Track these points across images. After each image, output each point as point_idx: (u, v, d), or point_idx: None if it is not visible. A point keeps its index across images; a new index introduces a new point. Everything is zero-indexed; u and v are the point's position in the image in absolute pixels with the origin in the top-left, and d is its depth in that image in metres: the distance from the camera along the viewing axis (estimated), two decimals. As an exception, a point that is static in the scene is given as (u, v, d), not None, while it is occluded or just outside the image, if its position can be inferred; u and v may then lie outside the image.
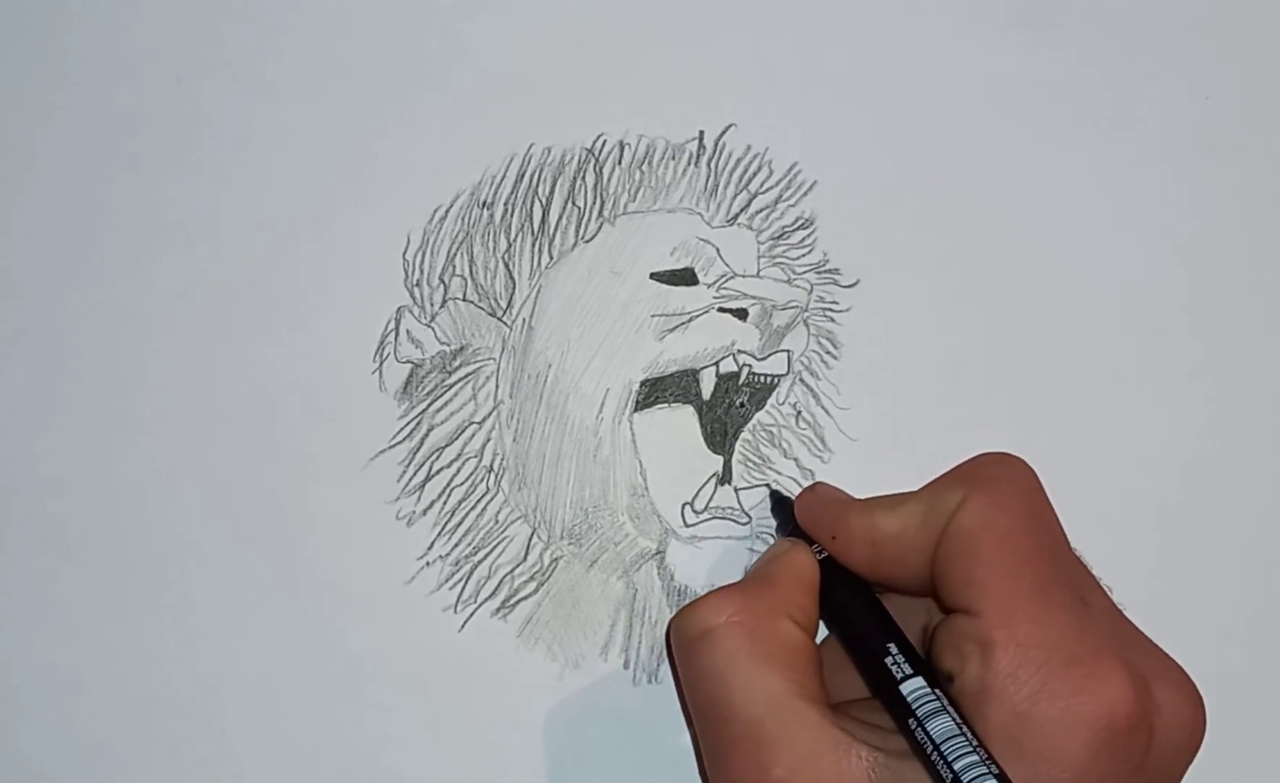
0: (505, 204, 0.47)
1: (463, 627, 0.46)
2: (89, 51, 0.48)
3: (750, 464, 0.47)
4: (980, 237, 0.47)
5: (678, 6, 0.48)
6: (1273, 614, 0.47)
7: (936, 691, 0.37)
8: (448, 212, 0.47)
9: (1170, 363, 0.47)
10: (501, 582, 0.46)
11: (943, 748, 0.35)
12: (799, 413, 0.47)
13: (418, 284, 0.47)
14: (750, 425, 0.47)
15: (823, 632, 0.42)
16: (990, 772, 0.35)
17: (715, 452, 0.47)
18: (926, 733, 0.36)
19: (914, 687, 0.37)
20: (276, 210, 0.47)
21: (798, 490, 0.46)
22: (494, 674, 0.46)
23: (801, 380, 0.47)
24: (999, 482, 0.39)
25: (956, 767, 0.35)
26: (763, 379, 0.47)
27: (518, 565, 0.46)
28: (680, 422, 0.46)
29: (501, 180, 0.47)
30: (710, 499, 0.46)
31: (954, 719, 0.36)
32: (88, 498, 0.46)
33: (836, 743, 0.36)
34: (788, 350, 0.47)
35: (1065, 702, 0.35)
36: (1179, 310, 0.48)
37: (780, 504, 0.45)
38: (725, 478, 0.46)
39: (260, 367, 0.47)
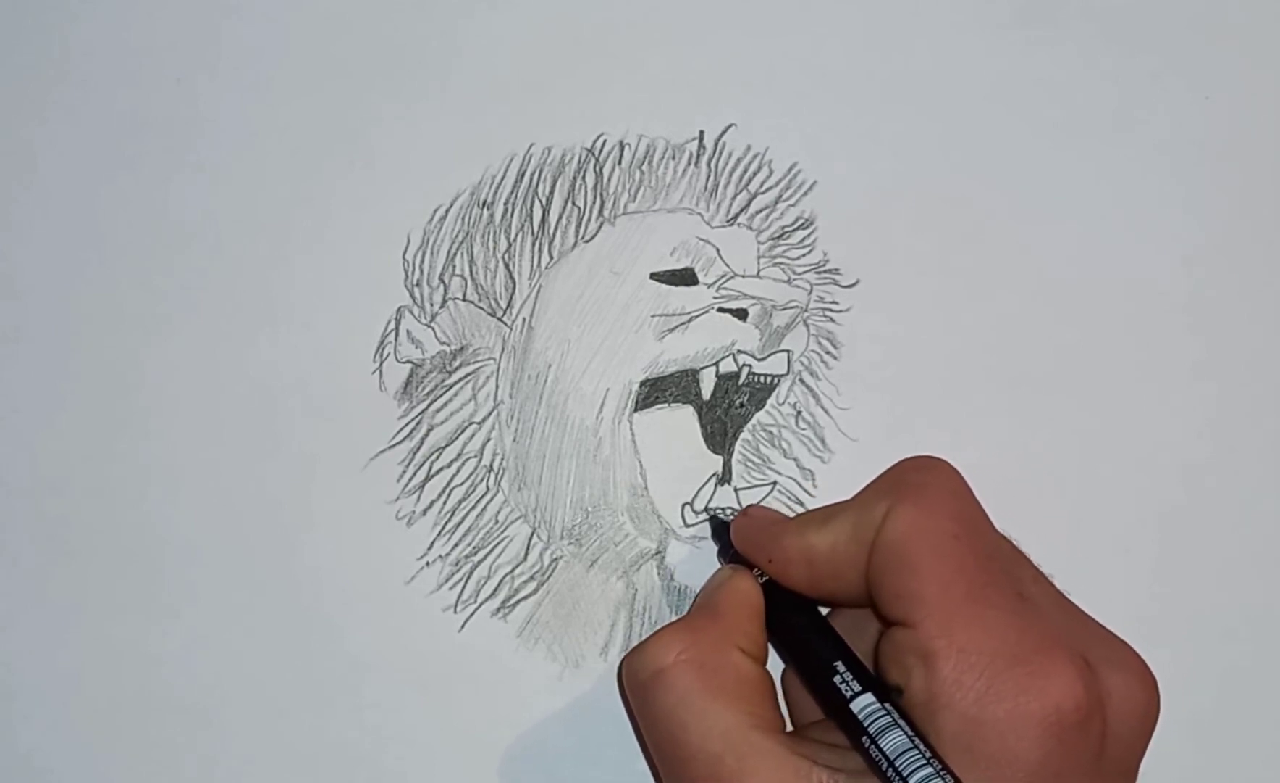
0: (505, 204, 0.47)
1: (463, 627, 0.46)
2: (89, 51, 0.48)
3: (750, 464, 0.47)
4: (980, 237, 0.47)
5: (678, 6, 0.48)
6: (1273, 614, 0.47)
7: (886, 705, 0.37)
8: (448, 212, 0.47)
9: (1171, 363, 0.47)
10: (501, 582, 0.46)
11: (897, 763, 0.35)
12: (799, 413, 0.47)
13: (418, 284, 0.47)
14: (750, 425, 0.47)
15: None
16: (945, 782, 0.35)
17: (715, 452, 0.47)
18: (880, 749, 0.36)
19: (864, 704, 0.37)
20: (276, 210, 0.47)
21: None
22: (494, 674, 0.46)
23: (801, 380, 0.47)
24: (923, 488, 0.39)
25: (912, 781, 0.35)
26: (763, 379, 0.47)
27: (518, 565, 0.46)
28: (680, 422, 0.46)
29: (501, 180, 0.47)
30: (710, 499, 0.46)
31: (906, 733, 0.36)
32: (88, 498, 0.46)
33: (797, 770, 0.36)
34: (788, 350, 0.47)
35: (1012, 703, 0.35)
36: (1179, 310, 0.48)
37: (720, 530, 0.45)
38: (725, 478, 0.46)
39: (260, 367, 0.47)
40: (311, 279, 0.47)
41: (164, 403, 0.47)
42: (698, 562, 0.46)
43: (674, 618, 0.46)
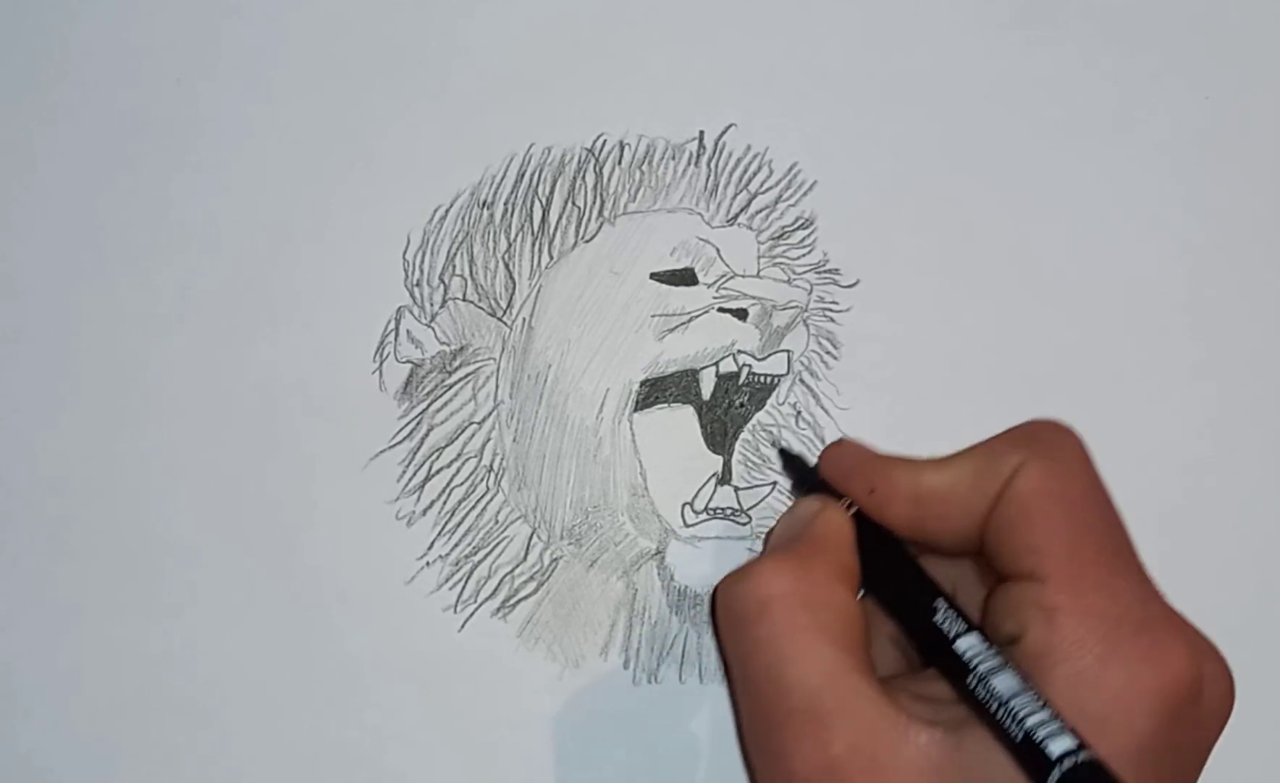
0: (505, 204, 0.47)
1: (463, 627, 0.46)
2: (89, 51, 0.48)
3: (750, 464, 0.47)
4: (980, 237, 0.47)
5: (678, 6, 0.48)
6: (1273, 614, 0.47)
7: (994, 647, 0.36)
8: (448, 212, 0.47)
9: (1171, 363, 0.47)
10: (501, 582, 0.46)
11: (1010, 705, 0.34)
12: (799, 413, 0.47)
13: (418, 284, 0.47)
14: (750, 425, 0.47)
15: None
16: (1065, 729, 0.33)
17: (715, 452, 0.47)
18: (990, 690, 0.34)
19: (970, 643, 0.36)
20: (276, 210, 0.47)
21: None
22: (494, 674, 0.46)
23: (801, 380, 0.47)
24: (1058, 448, 0.39)
25: (1027, 724, 0.33)
26: (763, 379, 0.47)
27: (518, 565, 0.46)
28: (680, 422, 0.46)
29: (501, 180, 0.47)
30: (710, 499, 0.46)
31: (1017, 676, 0.35)
32: (88, 498, 0.46)
33: (895, 720, 0.36)
34: (788, 350, 0.47)
35: (1133, 670, 0.35)
36: (1179, 310, 0.48)
37: (793, 462, 0.44)
38: (725, 478, 0.46)
39: (260, 367, 0.47)
40: (311, 279, 0.47)
41: (164, 403, 0.47)
42: (698, 562, 0.46)
43: (675, 616, 0.46)
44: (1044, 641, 0.36)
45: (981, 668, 0.35)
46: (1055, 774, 0.33)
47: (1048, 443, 0.39)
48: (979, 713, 0.35)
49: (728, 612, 0.39)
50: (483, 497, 0.46)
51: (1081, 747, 0.33)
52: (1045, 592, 0.36)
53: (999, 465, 0.38)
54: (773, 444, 0.46)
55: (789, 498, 0.46)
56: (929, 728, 0.36)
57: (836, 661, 0.37)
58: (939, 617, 0.37)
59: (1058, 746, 0.33)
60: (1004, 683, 0.34)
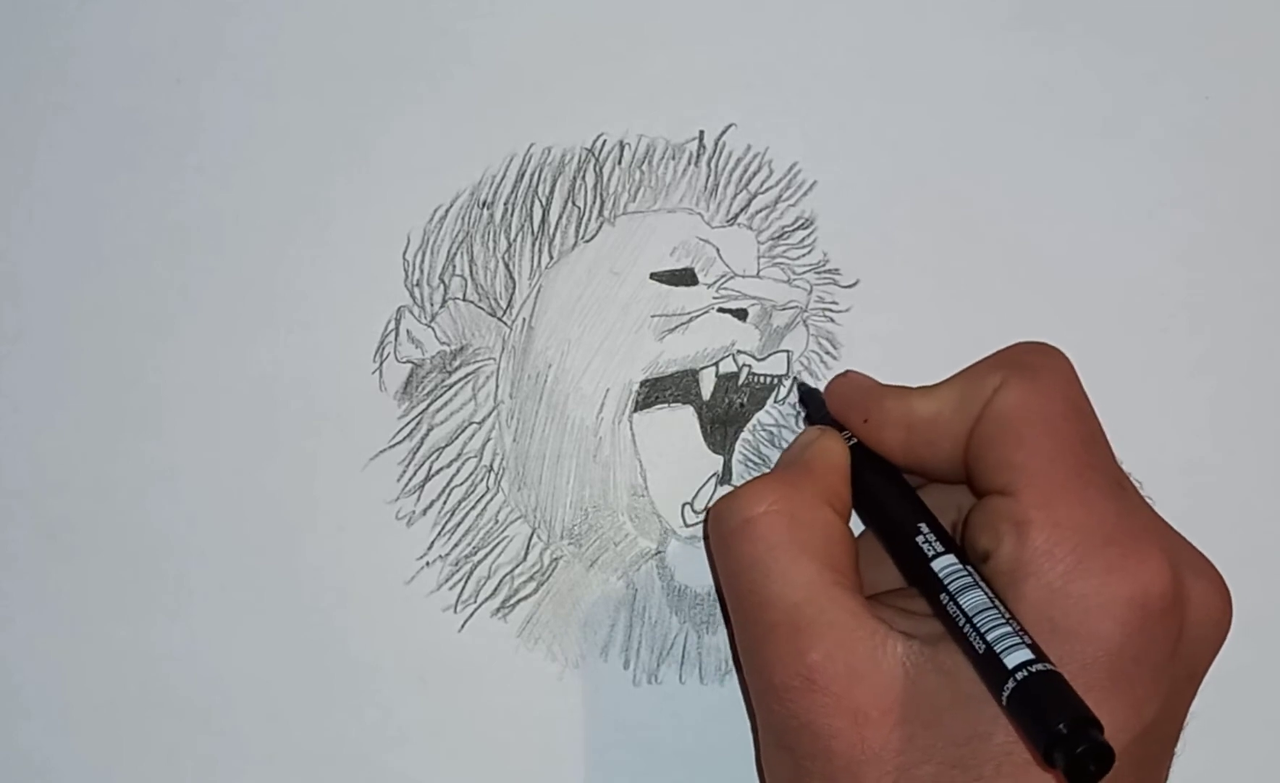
0: (505, 204, 0.47)
1: (463, 627, 0.46)
2: (89, 51, 0.48)
3: (750, 464, 0.47)
4: (980, 236, 0.47)
5: (678, 6, 0.48)
6: (1273, 614, 0.47)
7: (968, 567, 0.37)
8: (448, 212, 0.47)
9: (1171, 363, 0.47)
10: (501, 582, 0.46)
11: (975, 620, 0.35)
12: (799, 413, 0.47)
13: (418, 284, 0.47)
14: (750, 425, 0.47)
15: (857, 527, 0.42)
16: (1023, 642, 0.34)
17: (715, 452, 0.47)
18: (958, 606, 0.36)
19: (945, 563, 0.37)
20: (276, 210, 0.47)
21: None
22: (494, 674, 0.46)
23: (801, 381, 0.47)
24: (1039, 368, 0.39)
25: (989, 638, 0.34)
26: (762, 379, 0.47)
27: (518, 565, 0.46)
28: (680, 422, 0.46)
29: (501, 180, 0.47)
30: (710, 499, 0.46)
31: (986, 593, 0.36)
32: (88, 498, 0.46)
33: (873, 630, 0.37)
34: (787, 351, 0.47)
35: (1101, 580, 0.35)
36: (1179, 310, 0.48)
37: (808, 395, 0.45)
38: (725, 478, 0.46)
39: (260, 367, 0.47)
40: (311, 279, 0.47)
41: (164, 403, 0.47)
42: (698, 562, 0.46)
43: (675, 616, 0.46)
44: (1014, 554, 0.36)
45: (953, 586, 0.36)
46: (1009, 685, 0.34)
47: (1027, 363, 0.39)
48: (950, 629, 0.36)
49: (717, 530, 0.40)
50: (483, 497, 0.46)
51: (1037, 660, 0.34)
52: (1017, 506, 0.37)
53: (980, 387, 0.39)
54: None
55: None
56: (906, 640, 0.36)
57: (816, 575, 0.37)
58: (920, 539, 0.38)
59: (1014, 658, 0.34)
60: (972, 600, 0.36)
